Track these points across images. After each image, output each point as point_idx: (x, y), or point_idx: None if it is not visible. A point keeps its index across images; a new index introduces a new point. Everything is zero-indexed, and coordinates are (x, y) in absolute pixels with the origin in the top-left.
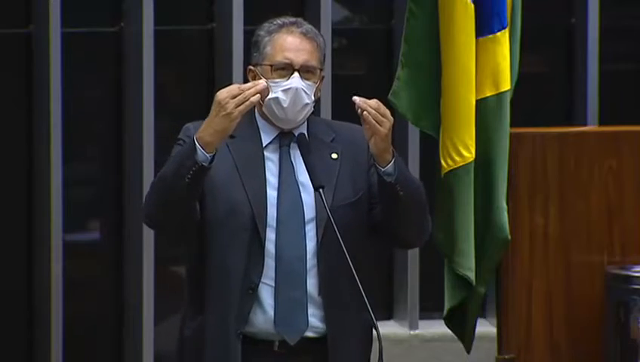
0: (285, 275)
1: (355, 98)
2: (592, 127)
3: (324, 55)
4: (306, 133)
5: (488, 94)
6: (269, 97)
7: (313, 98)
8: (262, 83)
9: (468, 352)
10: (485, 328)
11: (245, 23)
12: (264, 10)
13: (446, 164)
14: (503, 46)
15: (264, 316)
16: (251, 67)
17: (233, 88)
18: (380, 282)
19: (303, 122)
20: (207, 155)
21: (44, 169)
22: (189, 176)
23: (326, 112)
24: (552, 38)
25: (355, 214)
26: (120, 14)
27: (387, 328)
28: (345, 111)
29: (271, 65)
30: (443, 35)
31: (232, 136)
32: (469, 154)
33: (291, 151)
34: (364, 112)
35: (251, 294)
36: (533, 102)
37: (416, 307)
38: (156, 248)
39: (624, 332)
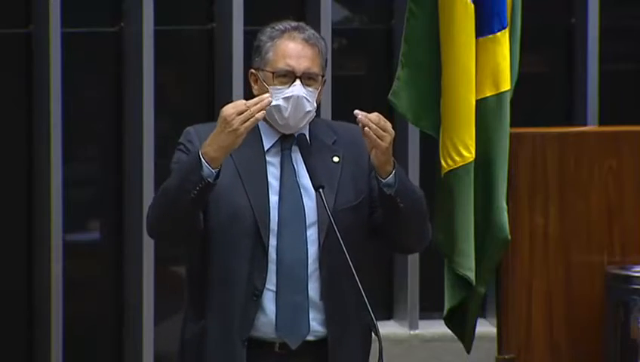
0: (287, 280)
1: (357, 112)
2: (592, 127)
3: (326, 59)
4: (307, 135)
5: (488, 94)
6: (270, 104)
7: (315, 104)
8: (267, 98)
9: (468, 352)
10: (485, 328)
11: (245, 23)
12: (264, 10)
13: (446, 164)
14: (503, 46)
15: (266, 320)
16: (253, 70)
17: (239, 104)
18: (380, 282)
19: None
20: (213, 171)
21: (44, 169)
22: (195, 192)
23: (326, 112)
24: (552, 38)
25: (356, 217)
26: (120, 14)
27: (387, 328)
28: (345, 111)
29: (273, 73)
30: (443, 35)
31: None
32: (469, 154)
33: (293, 155)
34: (365, 128)
35: (255, 300)
36: (533, 102)
37: (416, 307)
38: (156, 248)
39: (624, 332)
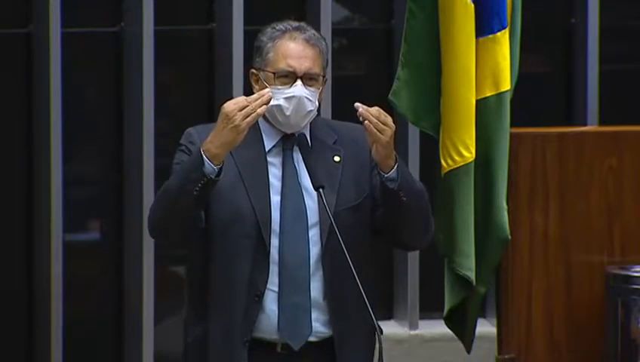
0: (289, 281)
1: (357, 105)
2: (592, 127)
3: (327, 60)
4: (308, 135)
5: (488, 94)
6: (271, 104)
7: (316, 104)
8: (268, 93)
9: (468, 352)
10: (485, 328)
11: (245, 23)
12: (264, 10)
13: (446, 164)
14: (503, 46)
15: (268, 321)
16: (253, 70)
17: (240, 100)
18: (380, 282)
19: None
20: (215, 168)
21: (44, 169)
22: (197, 189)
23: (326, 112)
24: (552, 38)
25: (357, 217)
26: (120, 14)
27: (387, 328)
28: (345, 111)
29: (274, 73)
30: (443, 35)
31: None
32: (469, 154)
33: (294, 155)
34: (366, 121)
35: (257, 302)
36: (533, 102)
37: (416, 307)
38: (156, 248)
39: (624, 332)
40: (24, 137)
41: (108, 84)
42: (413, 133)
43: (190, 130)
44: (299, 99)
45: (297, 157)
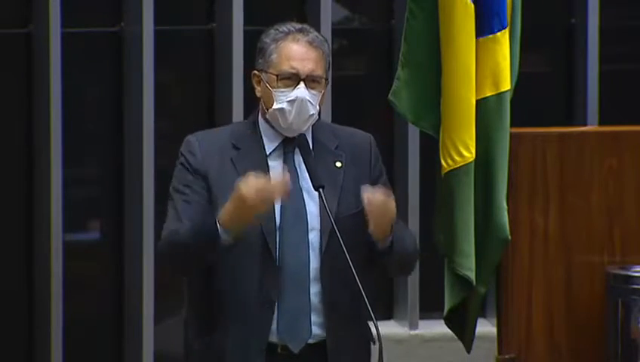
0: (289, 283)
1: (365, 193)
2: (592, 127)
3: (329, 62)
4: (310, 138)
5: (488, 94)
6: (274, 107)
7: (318, 107)
8: (287, 182)
9: (468, 352)
10: (485, 328)
11: (245, 23)
12: (264, 10)
13: (446, 164)
14: (503, 46)
15: None
16: (256, 72)
17: (258, 184)
18: (380, 282)
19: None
20: (231, 234)
21: (44, 169)
22: (214, 251)
23: (326, 112)
24: (552, 38)
25: (358, 222)
26: (120, 14)
27: (387, 328)
28: (345, 111)
29: (277, 75)
30: (443, 35)
31: (237, 148)
32: (469, 154)
33: (295, 158)
34: (369, 208)
35: (269, 308)
36: (533, 102)
37: (416, 307)
38: (156, 248)
39: (624, 332)
40: (24, 137)
41: (108, 84)
42: (413, 133)
43: (190, 137)
44: (301, 102)
45: (298, 159)
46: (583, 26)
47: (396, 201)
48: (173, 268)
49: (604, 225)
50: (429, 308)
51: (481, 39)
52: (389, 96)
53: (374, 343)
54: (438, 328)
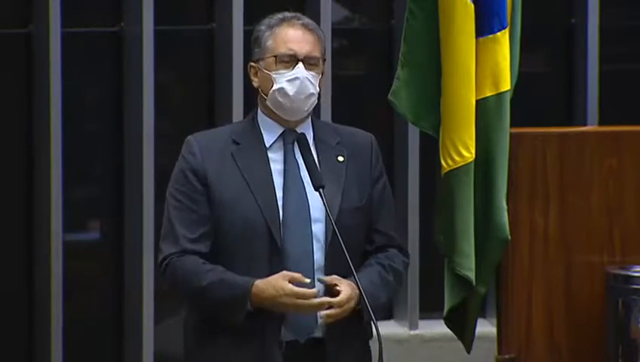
0: None
1: (323, 313)
2: (592, 127)
3: (325, 50)
4: (311, 137)
5: (488, 94)
6: (273, 88)
7: (317, 88)
8: (317, 296)
9: (468, 352)
10: (485, 328)
11: (245, 23)
12: (264, 10)
13: (446, 164)
14: (503, 46)
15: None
16: (252, 64)
17: (299, 293)
18: None
19: (308, 116)
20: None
21: (44, 169)
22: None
23: (326, 112)
24: (552, 38)
25: (360, 218)
26: (120, 14)
27: (387, 328)
28: (345, 111)
29: (275, 57)
30: (443, 35)
31: (236, 143)
32: (469, 154)
33: (295, 149)
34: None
35: None
36: (533, 102)
37: (416, 307)
38: (156, 248)
39: (624, 332)
40: (24, 137)
41: (108, 84)
42: (413, 133)
43: (190, 138)
44: (301, 81)
45: (298, 151)
46: (583, 26)
47: (396, 201)
48: (175, 293)
49: (604, 225)
50: (429, 308)
51: (481, 39)
52: (389, 96)
53: (371, 338)
54: (438, 328)
